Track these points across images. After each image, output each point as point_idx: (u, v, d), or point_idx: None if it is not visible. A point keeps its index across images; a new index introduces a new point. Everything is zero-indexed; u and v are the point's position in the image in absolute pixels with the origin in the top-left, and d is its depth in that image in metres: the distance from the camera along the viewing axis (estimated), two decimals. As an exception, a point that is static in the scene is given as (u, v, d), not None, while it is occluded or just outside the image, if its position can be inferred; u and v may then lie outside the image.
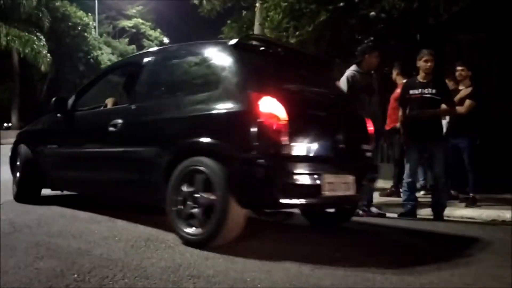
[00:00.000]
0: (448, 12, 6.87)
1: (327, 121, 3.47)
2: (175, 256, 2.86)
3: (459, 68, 5.96)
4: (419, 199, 5.47)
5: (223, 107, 3.18)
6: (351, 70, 5.16)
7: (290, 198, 3.04)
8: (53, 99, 4.76)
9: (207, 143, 3.15)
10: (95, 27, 31.71)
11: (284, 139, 2.99)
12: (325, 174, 3.18)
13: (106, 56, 33.02)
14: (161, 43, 48.71)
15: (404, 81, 5.74)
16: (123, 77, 5.06)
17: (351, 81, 5.02)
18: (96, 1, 32.98)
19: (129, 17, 44.62)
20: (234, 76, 3.32)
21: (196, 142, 3.23)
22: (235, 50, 3.43)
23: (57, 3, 26.22)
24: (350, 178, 3.44)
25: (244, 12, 14.30)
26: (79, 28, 28.45)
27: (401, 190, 5.64)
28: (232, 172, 3.00)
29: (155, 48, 4.78)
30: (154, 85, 3.96)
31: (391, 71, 6.62)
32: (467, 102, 5.79)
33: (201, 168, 3.12)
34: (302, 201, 3.14)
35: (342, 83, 5.06)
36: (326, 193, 3.17)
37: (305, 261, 2.81)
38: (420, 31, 7.79)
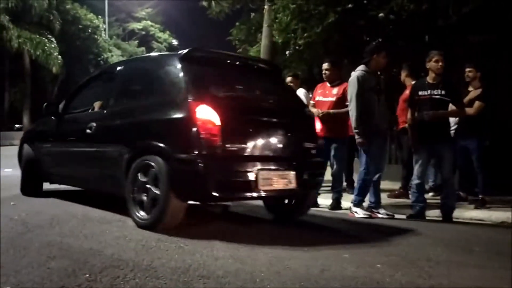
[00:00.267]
0: (457, 13, 6.85)
1: (263, 124, 3.86)
2: (185, 256, 2.89)
3: (467, 69, 5.94)
4: (428, 201, 5.46)
5: (168, 114, 3.73)
6: (360, 70, 5.15)
7: (223, 192, 3.50)
8: (44, 104, 5.44)
9: (156, 145, 3.69)
10: (105, 29, 31.95)
11: (218, 141, 3.48)
12: (260, 171, 3.62)
13: (116, 58, 33.16)
14: (170, 45, 49.01)
15: (413, 82, 5.73)
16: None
17: (361, 81, 5.02)
18: (106, 4, 33.21)
19: (138, 20, 44.90)
20: (178, 86, 3.79)
21: (148, 143, 3.79)
22: (183, 62, 3.89)
23: (68, 6, 26.49)
24: (291, 174, 3.83)
25: (252, 14, 14.34)
26: (90, 30, 28.72)
27: (409, 191, 5.64)
28: (173, 170, 3.52)
29: (124, 59, 5.42)
30: (120, 92, 4.49)
31: (400, 72, 6.60)
32: (476, 103, 5.77)
33: (152, 164, 3.66)
34: (235, 194, 3.68)
35: (352, 83, 5.06)
36: (262, 187, 3.60)
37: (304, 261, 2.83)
38: (429, 33, 7.77)
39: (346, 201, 5.64)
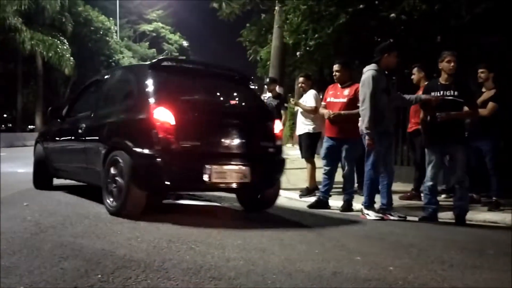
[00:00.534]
0: (470, 13, 6.78)
1: (218, 125, 4.39)
2: (197, 257, 2.89)
3: (479, 70, 5.88)
4: (441, 203, 5.40)
5: (133, 115, 4.32)
6: (371, 69, 5.09)
7: (176, 183, 4.13)
8: (49, 108, 6.25)
9: (123, 142, 4.31)
10: (116, 31, 32.23)
11: (172, 139, 4.01)
12: (214, 165, 4.14)
13: (127, 60, 33.51)
14: (181, 47, 49.27)
15: (426, 83, 5.68)
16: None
17: (375, 81, 4.98)
18: (118, 6, 33.48)
19: (149, 21, 45.23)
20: (143, 91, 4.37)
21: (118, 141, 4.41)
22: (151, 71, 4.54)
23: (80, 8, 26.76)
24: (246, 170, 4.32)
25: (262, 16, 14.35)
26: (101, 32, 28.97)
27: (422, 193, 5.59)
28: (134, 163, 4.08)
29: (112, 68, 6.22)
30: (104, 97, 5.23)
31: (411, 72, 6.55)
32: (490, 104, 5.70)
33: (119, 158, 4.22)
34: (188, 185, 4.36)
35: (367, 82, 5.01)
36: (215, 180, 4.16)
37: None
38: (441, 33, 7.70)
39: (358, 203, 5.61)
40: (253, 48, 15.03)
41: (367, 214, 5.07)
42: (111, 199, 4.30)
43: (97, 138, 4.82)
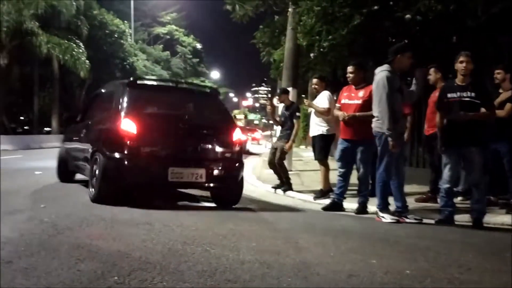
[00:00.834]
0: (486, 13, 6.69)
1: (177, 133, 5.25)
2: (211, 260, 2.89)
3: (496, 71, 5.79)
4: (457, 205, 5.33)
5: (109, 124, 5.36)
6: (385, 70, 5.04)
7: (136, 179, 5.08)
8: (64, 115, 8.68)
9: (100, 145, 5.34)
10: (131, 34, 32.46)
11: (134, 145, 4.97)
12: (171, 167, 4.99)
13: (141, 62, 33.80)
14: (194, 49, 49.52)
15: (443, 84, 5.62)
16: None
17: (390, 81, 4.94)
18: (132, 9, 33.77)
19: (163, 24, 45.53)
20: (118, 105, 5.33)
21: (98, 145, 5.43)
22: (127, 87, 5.49)
23: (95, 12, 27.02)
24: (200, 171, 5.15)
25: (276, 17, 14.32)
26: (116, 35, 29.21)
27: (438, 195, 5.52)
28: (105, 163, 5.06)
29: (108, 83, 7.12)
30: (97, 108, 6.34)
31: (428, 73, 6.47)
32: (508, 105, 5.61)
33: (98, 159, 5.18)
34: (146, 181, 5.16)
35: (382, 83, 4.96)
36: (171, 179, 5.01)
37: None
38: (457, 34, 7.61)
39: (373, 205, 5.56)
40: (266, 50, 15.01)
41: (382, 217, 5.03)
42: (92, 189, 5.25)
43: (89, 141, 5.86)
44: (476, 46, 6.83)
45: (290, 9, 10.97)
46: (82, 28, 24.22)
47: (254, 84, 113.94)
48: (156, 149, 5.15)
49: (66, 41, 22.77)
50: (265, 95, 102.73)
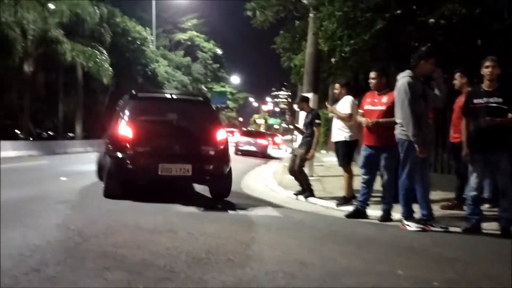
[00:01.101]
0: (512, 16, 6.55)
1: (167, 136, 6.29)
2: (236, 270, 2.89)
3: None
4: (484, 213, 5.21)
5: (113, 131, 6.38)
6: (407, 76, 4.97)
7: (132, 175, 6.07)
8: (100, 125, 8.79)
9: (108, 148, 6.34)
10: (152, 41, 32.82)
11: (130, 147, 5.98)
12: (161, 163, 5.92)
13: (163, 68, 34.09)
14: (215, 54, 49.84)
15: (469, 89, 5.51)
16: None
17: (412, 87, 4.87)
18: (154, 16, 34.15)
19: (184, 30, 45.96)
20: (121, 114, 6.41)
21: (108, 147, 6.39)
22: (130, 99, 6.63)
23: (118, 19, 27.39)
24: (187, 166, 6.04)
25: (296, 22, 14.30)
26: (138, 42, 29.55)
27: (464, 203, 5.40)
28: (110, 162, 6.11)
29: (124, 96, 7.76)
30: (114, 117, 7.03)
31: (451, 78, 6.35)
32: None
33: (107, 158, 6.25)
34: (140, 176, 6.27)
35: (403, 88, 4.90)
36: (162, 173, 5.95)
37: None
38: (482, 37, 7.46)
39: (397, 212, 5.48)
40: (286, 55, 15.01)
41: (408, 225, 4.94)
42: (103, 186, 6.22)
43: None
44: (503, 50, 6.67)
45: (311, 14, 10.93)
46: (105, 35, 24.57)
47: (274, 89, 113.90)
48: (149, 149, 6.07)
49: (89, 49, 23.16)
50: (285, 100, 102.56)
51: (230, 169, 6.57)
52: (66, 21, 21.67)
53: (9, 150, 17.43)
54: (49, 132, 36.15)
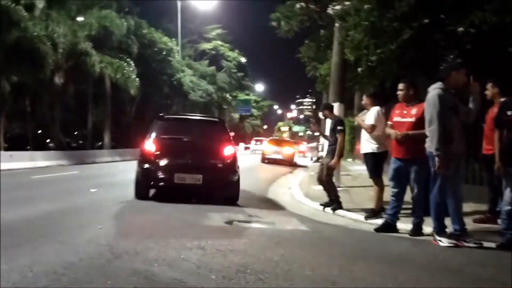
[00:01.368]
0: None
1: (184, 151, 7.57)
2: (266, 290, 2.87)
3: None
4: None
5: (142, 146, 7.74)
6: (438, 88, 4.88)
7: (155, 182, 7.39)
8: None
9: (138, 159, 7.72)
10: (178, 51, 33.30)
11: (153, 160, 7.33)
12: (176, 173, 7.22)
13: (188, 78, 34.52)
14: (239, 63, 50.22)
15: (502, 100, 5.36)
16: None
17: (442, 99, 4.77)
18: (179, 27, 34.68)
19: (209, 40, 46.50)
20: (150, 131, 7.81)
21: (138, 159, 7.74)
22: (158, 120, 8.29)
23: (144, 31, 27.94)
24: (198, 176, 7.27)
25: (322, 32, 14.25)
26: (164, 53, 30.06)
27: (498, 216, 5.24)
28: (138, 171, 7.46)
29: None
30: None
31: (483, 88, 6.19)
32: None
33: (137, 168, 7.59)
34: (161, 183, 7.41)
35: (432, 101, 4.81)
36: (177, 181, 7.22)
37: None
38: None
39: (428, 226, 5.35)
40: (312, 65, 14.95)
41: (440, 241, 4.82)
42: (134, 189, 7.53)
43: None
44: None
45: (336, 24, 10.88)
46: (132, 47, 25.09)
47: (298, 96, 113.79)
48: (167, 161, 7.36)
49: (117, 60, 23.69)
50: (309, 107, 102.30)
51: (238, 178, 7.72)
52: (94, 34, 22.27)
53: (40, 160, 17.95)
54: (79, 141, 37.08)
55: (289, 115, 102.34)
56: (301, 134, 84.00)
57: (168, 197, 7.27)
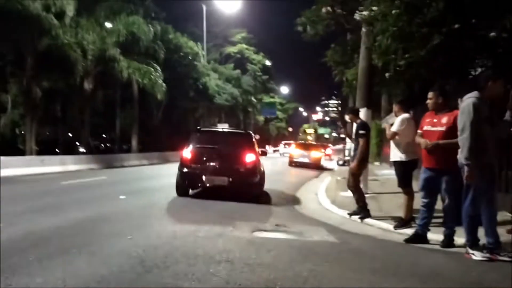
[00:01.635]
0: None
1: (213, 157, 9.09)
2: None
3: None
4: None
5: (182, 153, 9.52)
6: (474, 97, 4.76)
7: (191, 183, 9.36)
8: None
9: (179, 164, 9.46)
10: (203, 55, 33.59)
11: (189, 165, 9.15)
12: (207, 176, 8.88)
13: (214, 81, 34.76)
14: (264, 66, 50.27)
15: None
16: None
17: (476, 109, 4.65)
18: (205, 31, 34.99)
19: (234, 44, 46.73)
20: (189, 141, 9.64)
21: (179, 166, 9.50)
22: (197, 133, 10.23)
23: (170, 36, 28.30)
24: (224, 178, 8.85)
25: (348, 36, 14.12)
26: (190, 57, 30.37)
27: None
28: (178, 174, 9.29)
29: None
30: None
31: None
32: None
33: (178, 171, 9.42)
34: (195, 185, 9.38)
35: (467, 110, 4.68)
36: (207, 183, 8.91)
37: None
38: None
39: (460, 237, 5.22)
40: (338, 70, 14.83)
41: (473, 254, 4.70)
42: (176, 190, 9.24)
43: None
44: None
45: (363, 29, 10.76)
46: (159, 52, 25.42)
47: (323, 98, 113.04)
48: (199, 166, 9.05)
49: (145, 66, 24.06)
50: (335, 108, 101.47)
51: (260, 179, 9.37)
52: (122, 40, 22.68)
53: (70, 164, 18.37)
54: (107, 144, 37.84)
55: (314, 117, 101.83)
56: (326, 136, 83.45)
57: (202, 195, 9.19)
